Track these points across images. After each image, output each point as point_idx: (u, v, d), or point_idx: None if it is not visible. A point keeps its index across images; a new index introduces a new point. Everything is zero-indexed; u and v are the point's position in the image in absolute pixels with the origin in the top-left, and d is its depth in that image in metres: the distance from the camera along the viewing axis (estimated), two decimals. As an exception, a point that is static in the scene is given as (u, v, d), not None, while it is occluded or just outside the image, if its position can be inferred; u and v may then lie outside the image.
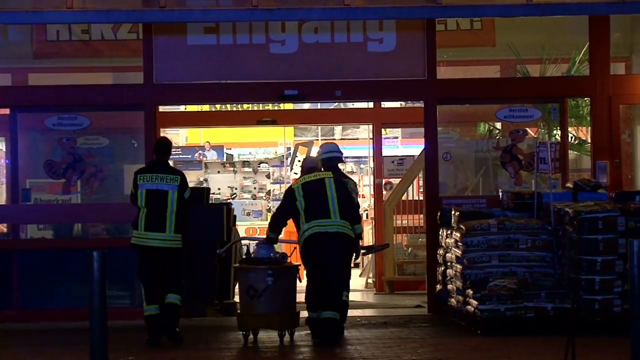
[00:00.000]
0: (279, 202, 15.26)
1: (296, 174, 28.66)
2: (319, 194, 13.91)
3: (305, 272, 14.31)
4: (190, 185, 16.88)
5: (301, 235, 13.99)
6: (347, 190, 14.40)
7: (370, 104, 18.47)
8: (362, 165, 25.13)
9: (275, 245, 14.53)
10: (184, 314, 15.12)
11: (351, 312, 15.64)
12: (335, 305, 13.56)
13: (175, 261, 14.07)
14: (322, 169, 14.67)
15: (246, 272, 14.04)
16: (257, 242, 14.84)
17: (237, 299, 15.78)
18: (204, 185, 19.11)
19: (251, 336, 13.75)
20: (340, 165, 15.59)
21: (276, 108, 18.21)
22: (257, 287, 13.67)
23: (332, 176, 14.15)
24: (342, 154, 15.36)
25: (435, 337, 13.95)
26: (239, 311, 14.45)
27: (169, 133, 16.99)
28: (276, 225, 14.45)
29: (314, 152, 20.79)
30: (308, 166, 14.91)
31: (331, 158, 14.90)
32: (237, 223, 16.69)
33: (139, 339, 13.46)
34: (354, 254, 14.31)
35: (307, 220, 13.83)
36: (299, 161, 18.48)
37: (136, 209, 13.75)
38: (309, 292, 13.92)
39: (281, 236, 15.30)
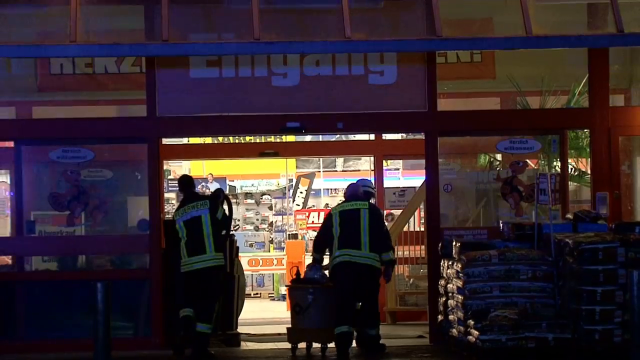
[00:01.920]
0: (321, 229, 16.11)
1: (298, 205, 28.81)
2: (353, 223, 14.94)
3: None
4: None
5: (332, 259, 15.05)
6: (380, 220, 15.55)
7: (372, 136, 18.48)
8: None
9: None
10: (185, 344, 15.16)
11: (354, 343, 15.77)
12: (372, 314, 15.16)
13: (216, 280, 14.99)
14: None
15: (293, 291, 15.69)
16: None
17: (240, 329, 16.02)
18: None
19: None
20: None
21: (278, 140, 18.26)
22: (302, 304, 15.12)
23: (367, 207, 15.18)
24: (374, 189, 16.77)
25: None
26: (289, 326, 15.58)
27: (172, 165, 17.03)
28: (319, 247, 15.71)
29: (316, 184, 20.84)
30: (350, 192, 15.67)
31: (365, 192, 15.77)
32: (239, 254, 16.66)
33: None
34: (386, 279, 15.63)
35: (339, 247, 14.89)
36: (301, 193, 18.56)
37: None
38: (337, 309, 14.88)
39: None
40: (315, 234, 18.56)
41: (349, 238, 15.01)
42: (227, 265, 15.98)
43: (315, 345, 15.51)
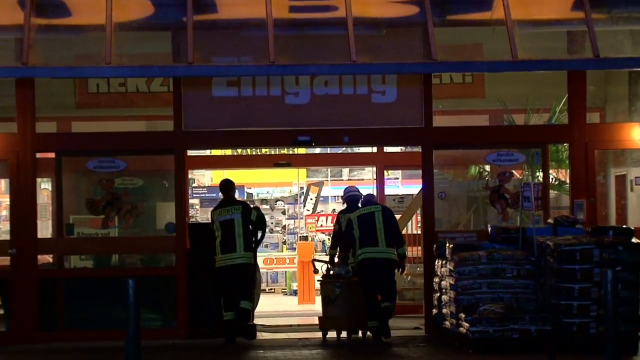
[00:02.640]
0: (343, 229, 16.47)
1: (308, 210, 28.80)
2: (370, 224, 15.35)
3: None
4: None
5: (356, 257, 15.45)
6: (393, 219, 15.93)
7: (374, 149, 18.46)
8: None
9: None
10: (209, 334, 15.31)
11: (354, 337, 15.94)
12: (390, 298, 15.45)
13: (246, 274, 15.42)
14: (346, 204, 16.88)
15: (323, 285, 16.18)
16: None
17: (256, 321, 16.02)
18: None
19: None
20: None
21: (290, 152, 18.23)
22: (331, 295, 15.66)
23: (380, 209, 15.75)
24: (360, 194, 17.12)
25: (431, 355, 13.94)
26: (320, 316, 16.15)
27: (196, 174, 17.03)
28: (346, 247, 16.09)
29: (325, 191, 20.85)
30: (365, 200, 16.39)
31: (351, 196, 16.88)
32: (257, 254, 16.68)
33: (169, 357, 13.49)
34: (400, 270, 16.04)
35: (360, 247, 15.30)
36: (311, 199, 18.59)
37: None
38: (365, 304, 15.39)
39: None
40: (323, 236, 18.64)
41: (367, 238, 15.40)
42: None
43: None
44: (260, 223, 15.74)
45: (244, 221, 15.37)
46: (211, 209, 19.03)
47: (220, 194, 16.59)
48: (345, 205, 17.19)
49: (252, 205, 16.25)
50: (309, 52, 15.18)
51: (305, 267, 21.40)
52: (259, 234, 15.96)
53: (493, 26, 15.34)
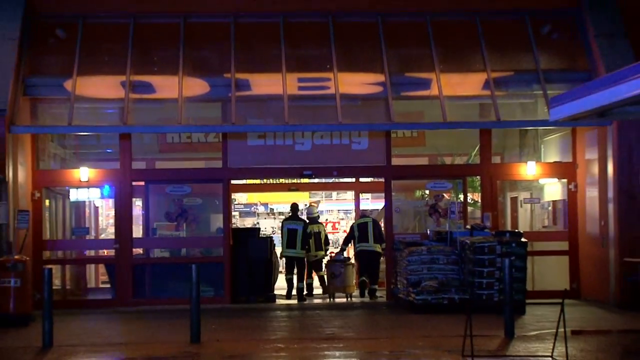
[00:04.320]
0: (346, 233, 17.60)
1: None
2: (365, 229, 16.13)
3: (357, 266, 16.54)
4: (247, 226, 17.09)
5: (355, 248, 16.41)
6: (378, 226, 16.48)
7: (353, 180, 18.46)
8: (348, 214, 25.14)
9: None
10: (244, 301, 15.30)
11: (340, 300, 16.02)
12: (373, 277, 16.19)
13: (302, 262, 16.46)
14: (308, 220, 16.94)
15: (330, 265, 16.58)
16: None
17: (275, 292, 16.08)
18: (257, 226, 19.11)
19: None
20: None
21: (298, 181, 18.19)
22: (335, 272, 16.18)
23: (371, 220, 16.41)
24: (316, 214, 17.79)
25: (390, 313, 14.03)
26: (326, 284, 16.82)
27: (236, 196, 16.99)
28: (345, 243, 17.01)
29: (320, 207, 20.86)
30: (361, 214, 17.09)
31: (312, 216, 17.30)
32: (275, 248, 16.72)
33: (223, 318, 13.54)
34: (385, 258, 16.14)
35: (358, 242, 16.23)
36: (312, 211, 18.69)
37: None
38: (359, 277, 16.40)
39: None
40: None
41: (363, 237, 16.14)
42: (269, 254, 16.00)
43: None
44: (309, 235, 16.61)
45: (303, 231, 16.34)
46: (247, 219, 19.22)
47: (285, 210, 17.38)
48: (359, 216, 17.42)
49: (306, 220, 16.89)
50: (310, 116, 15.30)
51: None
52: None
53: (431, 99, 15.23)
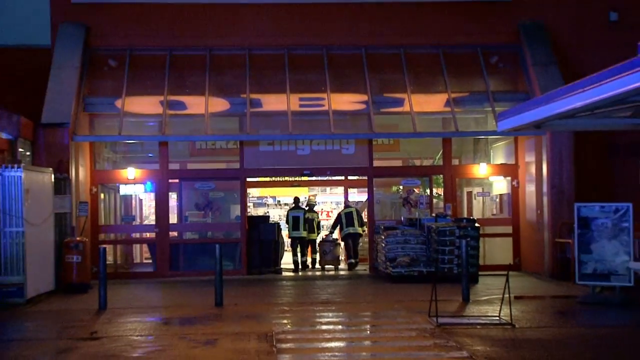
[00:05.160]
0: (334, 219, 17.50)
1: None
2: (351, 216, 16.33)
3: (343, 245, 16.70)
4: (259, 214, 17.08)
5: (343, 232, 16.43)
6: (360, 214, 16.63)
7: (342, 178, 18.40)
8: (339, 205, 25.01)
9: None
10: (257, 273, 15.23)
11: (331, 273, 15.93)
12: (355, 253, 16.31)
13: (304, 241, 16.45)
14: (308, 206, 17.08)
15: (322, 244, 16.70)
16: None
17: (282, 266, 16.19)
18: (267, 214, 19.05)
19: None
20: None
21: (299, 179, 18.13)
22: (326, 250, 16.55)
23: (355, 209, 16.51)
24: (314, 204, 17.60)
25: (372, 283, 13.97)
26: (318, 259, 16.72)
27: (250, 190, 16.97)
28: (334, 227, 16.97)
29: (317, 199, 20.81)
30: (345, 205, 17.02)
31: (345, 206, 16.98)
32: (281, 231, 16.69)
33: (240, 286, 13.57)
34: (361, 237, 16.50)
35: (346, 227, 16.35)
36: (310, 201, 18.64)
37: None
38: (346, 253, 16.57)
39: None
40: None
41: (349, 222, 16.29)
42: (277, 236, 15.94)
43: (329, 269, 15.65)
44: (312, 220, 16.69)
45: (304, 217, 16.33)
46: (259, 208, 19.17)
47: (291, 201, 17.25)
48: (343, 207, 17.21)
49: (306, 209, 16.87)
50: (309, 128, 15.21)
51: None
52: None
53: (404, 114, 15.24)
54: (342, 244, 16.97)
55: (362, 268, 16.17)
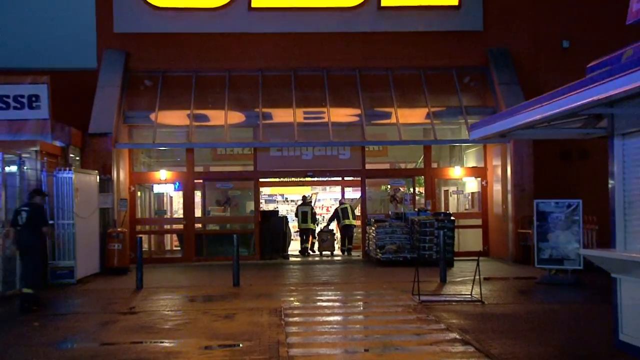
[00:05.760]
0: (332, 213, 17.21)
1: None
2: (346, 211, 16.31)
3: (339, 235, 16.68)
4: (270, 209, 17.03)
5: (340, 223, 16.34)
6: (353, 209, 16.50)
7: (340, 178, 18.27)
8: (336, 201, 24.94)
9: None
10: (268, 258, 15.18)
11: (329, 259, 15.88)
12: (350, 241, 16.22)
13: (309, 231, 16.46)
14: (310, 202, 17.11)
15: (320, 234, 16.60)
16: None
17: (291, 251, 16.26)
18: (277, 209, 19.02)
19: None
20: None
21: (303, 179, 18.12)
22: (324, 238, 16.47)
23: (349, 205, 16.44)
24: (344, 201, 17.22)
25: (364, 266, 13.90)
26: (317, 246, 16.59)
27: (262, 189, 16.94)
28: (331, 220, 16.83)
29: (318, 196, 20.74)
30: (340, 201, 16.96)
31: (340, 202, 16.89)
32: (289, 223, 16.68)
33: (254, 269, 13.56)
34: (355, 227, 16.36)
35: (342, 219, 16.23)
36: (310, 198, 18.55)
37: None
38: (341, 242, 16.46)
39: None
40: (320, 218, 18.54)
41: (345, 216, 16.21)
42: (285, 227, 15.89)
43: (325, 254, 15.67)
44: (315, 213, 16.71)
45: (310, 212, 16.42)
46: (270, 204, 19.11)
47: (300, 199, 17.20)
48: (338, 204, 17.14)
49: (313, 205, 17.00)
50: (311, 136, 15.13)
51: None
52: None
53: (391, 125, 15.17)
54: (338, 233, 16.96)
55: (356, 254, 16.14)
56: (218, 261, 14.60)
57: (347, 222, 16.37)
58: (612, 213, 6.40)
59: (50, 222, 11.51)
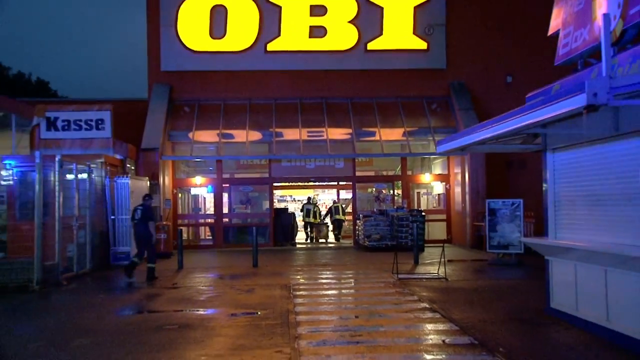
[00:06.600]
0: (326, 210, 16.96)
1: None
2: (338, 209, 16.20)
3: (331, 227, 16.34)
4: (281, 207, 16.96)
5: (332, 218, 16.18)
6: (343, 207, 16.23)
7: (335, 183, 18.16)
8: (332, 201, 24.88)
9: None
10: (280, 245, 15.13)
11: (326, 245, 15.77)
12: (339, 232, 16.06)
13: (312, 225, 16.11)
14: (313, 203, 16.72)
15: (317, 226, 16.33)
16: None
17: (298, 240, 16.12)
18: (287, 207, 18.93)
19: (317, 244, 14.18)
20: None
21: (307, 184, 18.01)
22: (321, 230, 16.28)
23: (340, 204, 16.23)
24: (336, 201, 16.87)
25: (355, 252, 13.78)
26: (315, 235, 16.26)
27: (275, 192, 16.85)
28: (326, 215, 16.54)
29: (321, 196, 20.58)
30: (334, 201, 16.66)
31: (333, 202, 16.78)
32: (296, 218, 16.59)
33: (269, 254, 13.52)
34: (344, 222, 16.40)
35: (334, 215, 16.13)
36: (313, 200, 18.40)
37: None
38: (334, 233, 16.23)
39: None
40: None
41: (337, 212, 16.16)
42: (293, 221, 15.79)
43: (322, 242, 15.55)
44: (318, 211, 16.49)
45: (313, 209, 16.32)
46: (281, 203, 19.00)
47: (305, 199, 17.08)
48: (332, 202, 17.12)
49: (317, 204, 16.83)
50: (314, 150, 15.07)
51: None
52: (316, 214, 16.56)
53: (375, 142, 15.09)
54: (331, 226, 16.94)
55: (348, 242, 16.08)
56: (241, 247, 14.53)
57: (337, 217, 16.53)
58: (545, 210, 6.51)
59: (112, 217, 11.60)
